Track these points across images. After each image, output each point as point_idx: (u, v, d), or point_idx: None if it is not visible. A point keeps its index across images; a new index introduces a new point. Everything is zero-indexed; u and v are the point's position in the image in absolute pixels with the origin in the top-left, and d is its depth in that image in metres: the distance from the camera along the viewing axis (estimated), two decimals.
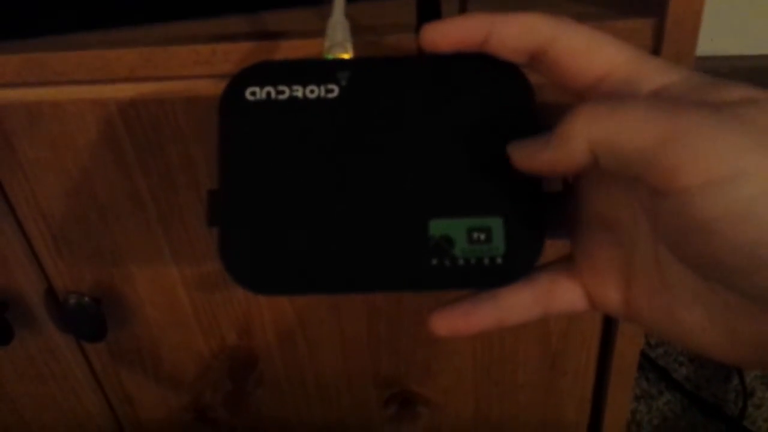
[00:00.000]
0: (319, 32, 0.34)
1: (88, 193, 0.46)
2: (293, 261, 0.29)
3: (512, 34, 0.27)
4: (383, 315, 0.53)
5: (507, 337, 0.55)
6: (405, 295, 0.52)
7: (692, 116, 0.23)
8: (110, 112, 0.42)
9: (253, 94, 0.30)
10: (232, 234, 0.29)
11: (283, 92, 0.30)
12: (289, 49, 0.39)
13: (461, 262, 0.28)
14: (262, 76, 0.30)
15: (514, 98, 0.29)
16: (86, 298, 0.51)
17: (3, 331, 0.52)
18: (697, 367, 0.83)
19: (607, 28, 0.33)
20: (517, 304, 0.29)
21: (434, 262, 0.28)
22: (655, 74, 0.26)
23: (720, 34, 0.84)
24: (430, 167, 0.29)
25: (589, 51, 0.27)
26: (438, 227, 0.29)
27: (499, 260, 0.28)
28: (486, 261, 0.28)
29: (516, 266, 0.28)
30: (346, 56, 0.32)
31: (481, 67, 0.29)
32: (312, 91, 0.30)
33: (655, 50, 0.38)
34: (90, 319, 0.52)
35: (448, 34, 0.28)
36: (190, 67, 0.40)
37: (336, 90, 0.30)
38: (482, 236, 0.28)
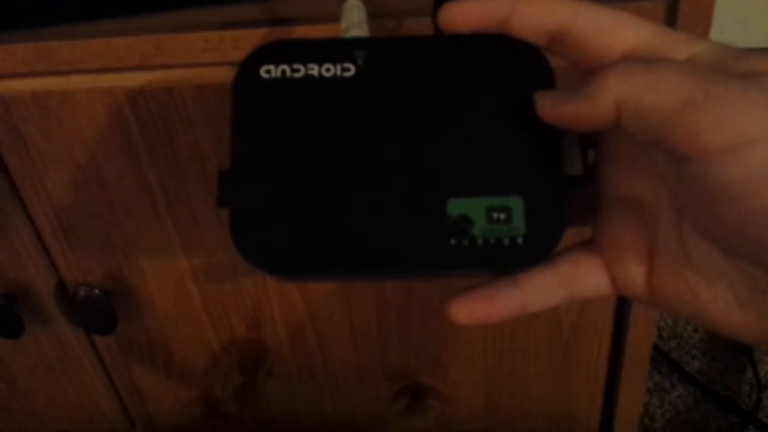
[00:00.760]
0: (331, 18, 0.33)
1: (97, 183, 0.46)
2: (307, 242, 0.28)
3: (533, 14, 0.27)
4: (393, 306, 0.53)
5: (518, 328, 0.54)
6: (415, 286, 0.51)
7: (718, 82, 0.23)
8: (119, 100, 0.42)
9: (268, 72, 0.29)
10: (244, 214, 0.28)
11: (298, 70, 0.29)
12: (301, 35, 0.39)
13: (480, 242, 0.28)
14: (278, 55, 0.29)
15: (533, 79, 0.29)
16: (96, 291, 0.51)
17: (13, 324, 0.52)
18: (710, 359, 0.82)
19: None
20: (540, 287, 0.29)
21: (452, 242, 0.28)
22: (682, 46, 0.26)
23: (731, 26, 0.83)
24: (447, 147, 0.29)
25: (612, 28, 0.26)
26: (456, 206, 0.28)
27: (519, 241, 0.28)
28: (506, 241, 0.28)
29: (537, 247, 0.28)
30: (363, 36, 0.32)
31: (500, 47, 0.29)
32: (328, 70, 0.29)
33: None
34: (100, 311, 0.52)
35: (468, 13, 0.28)
36: (198, 55, 0.40)
37: (352, 69, 0.29)
38: (502, 216, 0.28)
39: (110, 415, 0.63)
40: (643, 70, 0.24)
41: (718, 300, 0.26)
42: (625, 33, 0.26)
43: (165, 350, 0.56)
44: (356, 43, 0.30)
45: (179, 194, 0.46)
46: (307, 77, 0.29)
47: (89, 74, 0.41)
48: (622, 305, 0.52)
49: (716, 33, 0.37)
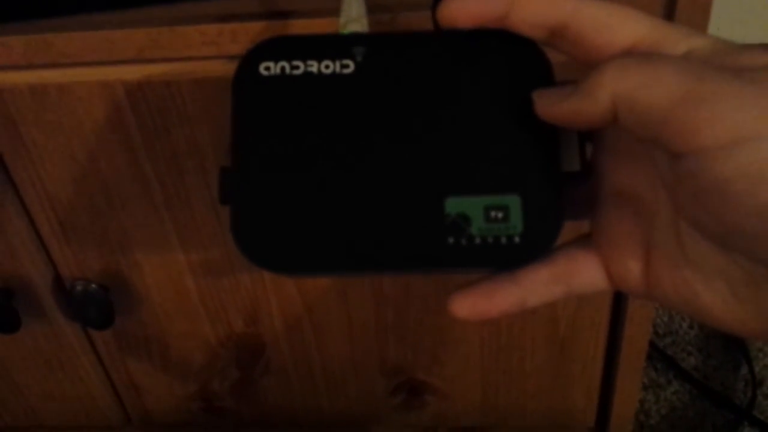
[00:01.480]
0: (330, 12, 0.33)
1: (94, 177, 0.46)
2: (306, 239, 0.28)
3: (532, 9, 0.27)
4: (391, 302, 0.53)
5: (515, 324, 0.54)
6: (413, 282, 0.51)
7: (714, 78, 0.23)
8: (117, 94, 0.41)
9: (268, 68, 0.29)
10: (245, 211, 0.29)
11: (298, 67, 0.29)
12: (299, 29, 0.39)
13: (478, 240, 0.28)
14: (277, 51, 0.29)
15: (532, 75, 0.29)
16: (93, 285, 0.51)
17: (10, 319, 0.52)
18: (706, 356, 0.82)
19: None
20: (538, 282, 0.29)
21: (450, 240, 0.28)
22: (681, 40, 0.26)
23: (727, 24, 0.83)
24: (446, 144, 0.29)
25: (612, 23, 0.26)
26: (454, 205, 0.28)
27: (517, 239, 0.28)
28: (503, 240, 0.28)
29: (535, 245, 0.28)
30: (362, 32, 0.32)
31: (500, 43, 0.29)
32: (327, 67, 0.29)
33: None
34: (97, 306, 0.52)
35: (467, 9, 0.28)
36: (197, 48, 0.39)
37: (351, 65, 0.29)
38: (500, 214, 0.28)
39: (106, 410, 0.63)
40: (639, 66, 0.24)
41: (715, 295, 0.26)
42: (624, 28, 0.26)
43: (162, 345, 0.56)
44: (355, 39, 0.30)
45: (177, 188, 0.46)
46: (307, 74, 0.29)
47: (87, 67, 0.41)
48: (619, 302, 0.52)
49: (711, 29, 0.37)
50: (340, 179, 0.29)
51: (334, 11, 0.33)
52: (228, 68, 0.30)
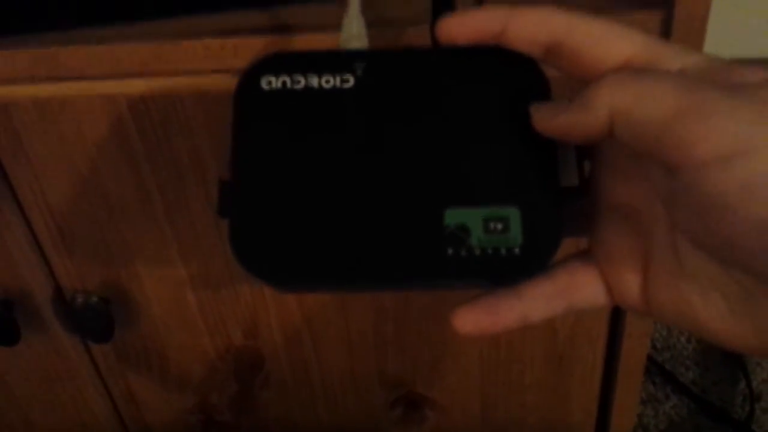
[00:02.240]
0: (332, 27, 0.34)
1: (96, 189, 0.46)
2: (306, 252, 0.28)
3: (528, 26, 0.28)
4: (390, 315, 0.53)
5: (513, 338, 0.54)
6: (412, 295, 0.52)
7: (709, 93, 0.23)
8: (120, 107, 0.42)
9: (269, 83, 0.30)
10: (243, 224, 0.29)
11: (298, 82, 0.30)
12: (301, 44, 0.39)
13: (478, 251, 0.28)
14: (278, 66, 0.30)
15: (530, 91, 0.29)
16: (94, 298, 0.51)
17: (10, 331, 0.52)
18: (704, 370, 0.82)
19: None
20: (540, 297, 0.29)
21: (450, 251, 0.28)
22: (675, 57, 0.26)
23: (723, 36, 0.84)
24: (445, 158, 0.29)
25: (606, 40, 0.27)
26: (454, 216, 0.28)
27: (517, 251, 0.28)
28: (503, 251, 0.28)
29: (534, 257, 0.28)
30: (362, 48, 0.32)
31: (497, 59, 0.29)
32: (327, 81, 0.30)
33: None
34: (98, 318, 0.52)
35: (465, 26, 0.28)
36: (199, 62, 0.40)
37: (351, 80, 0.30)
38: (499, 226, 0.28)
39: (105, 423, 0.62)
40: (636, 81, 0.25)
41: (712, 309, 0.26)
42: (619, 45, 0.27)
43: (161, 358, 0.56)
44: (355, 54, 0.30)
45: (178, 201, 0.46)
46: (307, 89, 0.30)
47: (90, 81, 0.41)
48: (617, 316, 0.52)
49: (709, 43, 0.38)
50: (339, 192, 0.29)
51: (335, 26, 0.33)
52: (230, 82, 0.30)
